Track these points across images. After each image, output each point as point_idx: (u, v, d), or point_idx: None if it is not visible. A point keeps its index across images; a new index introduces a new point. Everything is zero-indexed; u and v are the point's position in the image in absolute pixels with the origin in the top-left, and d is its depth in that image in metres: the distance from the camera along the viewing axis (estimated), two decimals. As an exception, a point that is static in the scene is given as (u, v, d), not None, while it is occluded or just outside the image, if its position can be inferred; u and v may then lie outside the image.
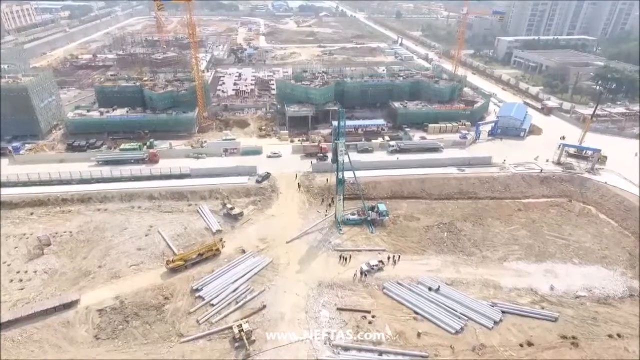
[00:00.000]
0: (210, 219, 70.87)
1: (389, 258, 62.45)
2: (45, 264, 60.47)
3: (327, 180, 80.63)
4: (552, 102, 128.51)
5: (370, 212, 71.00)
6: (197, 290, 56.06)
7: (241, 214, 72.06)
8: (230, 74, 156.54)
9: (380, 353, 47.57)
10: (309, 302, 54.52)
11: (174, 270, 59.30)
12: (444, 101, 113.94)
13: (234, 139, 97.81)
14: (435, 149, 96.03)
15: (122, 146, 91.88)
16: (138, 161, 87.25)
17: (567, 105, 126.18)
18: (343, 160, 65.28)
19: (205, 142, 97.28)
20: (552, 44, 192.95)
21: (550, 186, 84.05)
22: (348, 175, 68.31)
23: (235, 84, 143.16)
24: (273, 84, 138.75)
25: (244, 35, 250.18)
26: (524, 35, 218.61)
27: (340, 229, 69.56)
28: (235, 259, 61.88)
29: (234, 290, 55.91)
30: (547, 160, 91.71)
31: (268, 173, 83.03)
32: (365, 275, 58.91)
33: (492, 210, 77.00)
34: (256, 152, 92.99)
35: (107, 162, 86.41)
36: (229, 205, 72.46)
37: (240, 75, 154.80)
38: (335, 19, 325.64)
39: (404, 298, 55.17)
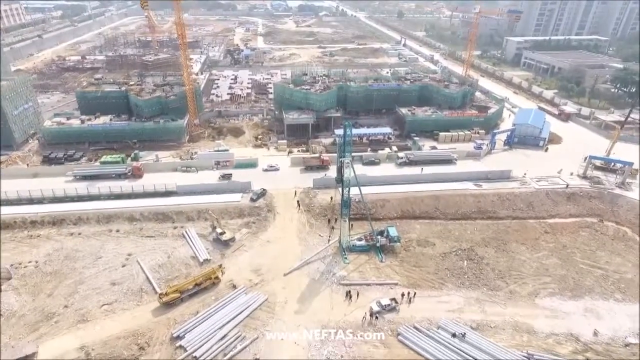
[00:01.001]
0: (197, 246, 62.21)
1: (403, 295, 53.80)
2: (3, 303, 51.74)
3: (331, 198, 72.08)
4: (570, 107, 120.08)
5: (379, 237, 62.44)
6: (178, 337, 47.42)
7: (233, 239, 63.46)
8: (225, 77, 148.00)
9: None
10: (311, 353, 45.93)
11: (169, 305, 51.37)
12: (455, 107, 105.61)
13: (226, 150, 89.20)
14: (448, 161, 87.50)
15: (102, 159, 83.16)
16: (120, 176, 78.69)
17: (585, 110, 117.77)
18: (349, 180, 56.72)
19: (195, 153, 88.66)
20: (563, 45, 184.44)
21: (578, 204, 75.55)
22: (354, 191, 59.61)
23: (230, 87, 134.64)
24: (271, 87, 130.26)
25: (242, 35, 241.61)
26: (532, 35, 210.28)
27: (346, 258, 60.99)
28: (224, 296, 53.21)
29: (222, 338, 47.28)
30: (571, 174, 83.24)
31: (264, 190, 74.48)
32: (377, 317, 50.32)
33: (516, 232, 68.45)
34: (251, 165, 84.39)
35: (85, 177, 77.86)
36: (218, 230, 63.81)
37: (236, 78, 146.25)
38: (335, 19, 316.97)
39: (423, 348, 46.56)
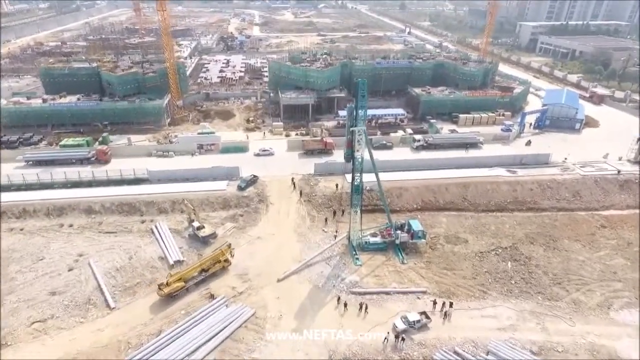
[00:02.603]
0: (168, 244, 49.00)
1: (434, 304, 40.78)
2: None
3: (336, 186, 59.20)
4: (600, 89, 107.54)
5: (399, 232, 49.26)
6: (130, 369, 34.24)
7: (213, 235, 50.28)
8: (216, 61, 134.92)
9: None
10: (314, 392, 32.77)
11: (172, 297, 41.23)
12: (475, 86, 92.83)
13: (212, 132, 76.09)
14: (473, 145, 74.74)
15: (63, 142, 70.08)
16: (82, 161, 65.62)
17: (619, 93, 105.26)
18: (362, 158, 43.73)
19: (175, 136, 75.59)
20: (581, 30, 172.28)
21: (634, 192, 62.67)
22: (367, 178, 46.62)
23: (221, 71, 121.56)
24: (266, 72, 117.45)
25: (237, 25, 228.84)
26: (544, 22, 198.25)
27: (358, 258, 47.85)
28: (197, 310, 39.98)
29: (190, 370, 34.12)
30: (620, 159, 70.54)
31: (255, 176, 61.40)
32: (403, 338, 37.06)
33: (565, 227, 55.45)
34: (240, 148, 71.41)
35: (39, 163, 64.76)
36: (195, 224, 50.60)
37: (228, 62, 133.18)
38: (335, 11, 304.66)
39: (471, 383, 33.40)
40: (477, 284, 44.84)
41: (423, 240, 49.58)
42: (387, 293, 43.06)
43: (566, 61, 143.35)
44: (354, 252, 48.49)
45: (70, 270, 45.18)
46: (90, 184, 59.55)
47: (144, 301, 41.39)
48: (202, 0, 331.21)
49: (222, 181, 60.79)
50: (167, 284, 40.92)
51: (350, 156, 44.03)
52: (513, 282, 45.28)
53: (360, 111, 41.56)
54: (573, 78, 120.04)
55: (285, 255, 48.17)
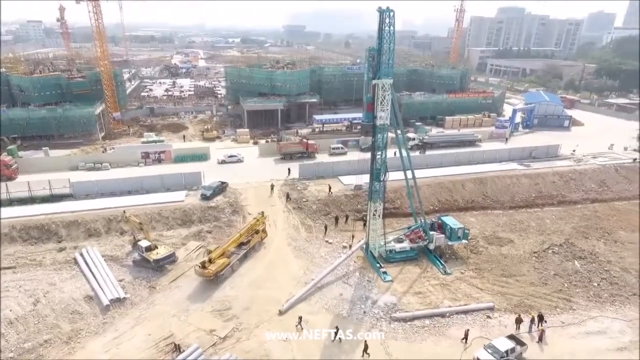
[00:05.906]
0: (100, 277, 32.06)
1: (518, 323, 27.90)
2: None
3: (329, 188, 46.11)
4: (569, 95, 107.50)
5: (434, 233, 36.50)
6: None
7: (171, 257, 34.28)
8: (161, 83, 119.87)
9: None
10: None
11: (218, 278, 31.98)
12: (454, 90, 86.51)
13: (161, 141, 60.55)
14: (471, 142, 65.99)
15: (-52, 157, 50.86)
16: (-29, 179, 46.79)
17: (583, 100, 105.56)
18: (386, 126, 31.57)
19: (112, 149, 58.92)
20: (523, 54, 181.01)
21: (657, 179, 55.97)
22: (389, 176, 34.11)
23: (167, 90, 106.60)
24: (219, 90, 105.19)
25: (181, 59, 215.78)
26: (485, 48, 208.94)
27: (385, 272, 34.08)
28: (153, 374, 23.63)
29: None
30: (625, 149, 64.98)
31: (223, 183, 46.49)
32: (499, 381, 23.33)
33: (610, 217, 46.50)
34: (199, 156, 56.31)
35: None
36: (143, 243, 34.25)
37: (174, 83, 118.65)
38: (281, 49, 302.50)
39: None
40: (553, 291, 32.79)
41: (464, 241, 37.16)
42: (443, 315, 29.47)
43: (519, 78, 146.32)
44: (378, 265, 34.77)
45: None
46: (-21, 205, 41.10)
47: (56, 370, 24.20)
48: (140, 42, 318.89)
49: (179, 192, 45.13)
50: (211, 261, 31.74)
51: (370, 122, 31.62)
52: (595, 284, 33.86)
53: (385, 54, 29.75)
54: (532, 91, 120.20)
55: (281, 277, 33.31)
